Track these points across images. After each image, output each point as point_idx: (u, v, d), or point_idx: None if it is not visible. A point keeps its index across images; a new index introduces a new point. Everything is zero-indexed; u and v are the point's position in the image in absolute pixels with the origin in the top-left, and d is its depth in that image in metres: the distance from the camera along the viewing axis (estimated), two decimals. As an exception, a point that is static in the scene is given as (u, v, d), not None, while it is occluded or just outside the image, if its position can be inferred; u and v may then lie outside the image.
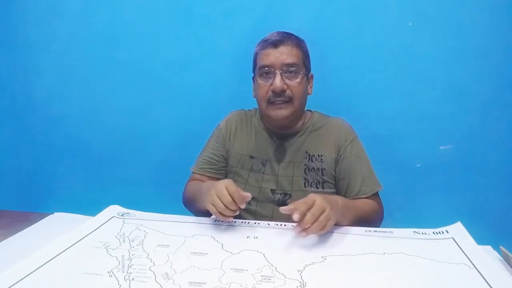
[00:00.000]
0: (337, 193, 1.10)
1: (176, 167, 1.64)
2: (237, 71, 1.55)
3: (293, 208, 0.78)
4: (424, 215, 1.49)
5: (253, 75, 1.12)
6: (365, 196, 1.05)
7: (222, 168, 1.17)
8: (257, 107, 1.15)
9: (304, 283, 0.65)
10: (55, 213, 0.98)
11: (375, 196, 1.07)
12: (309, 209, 0.79)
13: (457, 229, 0.88)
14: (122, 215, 0.95)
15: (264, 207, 1.09)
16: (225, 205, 0.84)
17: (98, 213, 0.95)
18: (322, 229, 0.79)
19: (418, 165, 1.52)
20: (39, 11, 1.62)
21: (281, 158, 1.11)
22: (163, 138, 1.64)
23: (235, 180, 1.10)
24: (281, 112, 1.04)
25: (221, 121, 1.21)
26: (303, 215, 0.78)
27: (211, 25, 1.54)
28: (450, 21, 1.42)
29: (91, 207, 0.97)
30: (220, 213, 0.85)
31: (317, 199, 0.80)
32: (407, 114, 1.50)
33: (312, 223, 0.78)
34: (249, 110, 1.23)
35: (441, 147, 1.50)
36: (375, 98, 1.50)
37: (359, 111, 1.45)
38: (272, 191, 1.10)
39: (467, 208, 1.49)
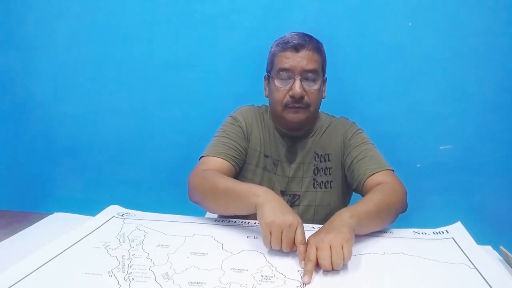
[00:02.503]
0: (348, 186, 1.08)
1: (176, 167, 1.64)
2: (237, 71, 1.55)
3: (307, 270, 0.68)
4: (424, 215, 1.48)
5: (267, 74, 1.09)
6: (373, 173, 0.97)
7: (242, 163, 1.07)
8: (267, 105, 1.14)
9: (304, 283, 0.65)
10: (55, 213, 0.98)
11: (387, 176, 0.97)
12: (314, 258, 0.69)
13: (457, 229, 0.88)
14: (122, 215, 0.95)
15: None
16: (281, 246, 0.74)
17: (98, 213, 0.95)
18: (343, 259, 0.68)
19: (418, 165, 1.52)
20: (39, 11, 1.62)
21: (292, 159, 1.09)
22: (163, 138, 1.64)
23: (250, 179, 1.07)
24: (297, 117, 1.02)
25: (235, 114, 1.13)
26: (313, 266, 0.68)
27: (211, 25, 1.54)
28: (450, 21, 1.42)
29: (91, 207, 0.97)
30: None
31: (319, 243, 0.70)
32: (407, 114, 1.50)
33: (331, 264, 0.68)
34: (259, 106, 1.17)
35: (441, 147, 1.50)
36: (374, 98, 1.50)
37: (359, 111, 1.45)
38: (282, 192, 1.08)
39: (467, 208, 1.49)
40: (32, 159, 1.74)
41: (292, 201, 1.08)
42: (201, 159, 1.03)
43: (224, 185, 0.88)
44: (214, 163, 1.00)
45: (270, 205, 0.77)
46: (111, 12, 1.58)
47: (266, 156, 1.09)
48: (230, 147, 1.04)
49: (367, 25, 1.46)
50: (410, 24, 1.44)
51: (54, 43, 1.63)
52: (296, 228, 0.74)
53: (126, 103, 1.64)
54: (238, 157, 1.04)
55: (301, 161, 1.09)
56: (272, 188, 1.05)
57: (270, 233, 0.74)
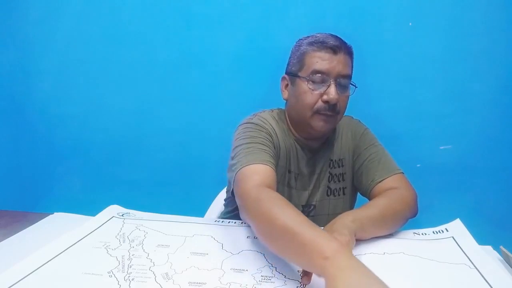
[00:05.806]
0: (358, 191, 1.07)
1: (176, 167, 1.65)
2: (238, 71, 1.55)
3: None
4: (424, 215, 1.48)
5: (288, 75, 1.00)
6: (382, 179, 0.95)
7: None
8: (276, 110, 1.05)
9: (304, 283, 0.65)
10: (55, 213, 0.98)
11: (397, 181, 0.95)
12: None
13: (457, 227, 0.88)
14: (122, 215, 0.95)
15: None
16: None
17: (98, 213, 0.95)
18: None
19: (418, 165, 1.52)
20: (39, 11, 1.62)
21: (312, 171, 1.04)
22: (163, 138, 1.64)
23: None
24: (326, 125, 0.95)
25: (257, 121, 0.97)
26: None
27: (211, 25, 1.54)
28: (450, 21, 1.42)
29: (91, 207, 0.97)
30: None
31: None
32: (407, 114, 1.50)
33: None
34: (271, 110, 1.05)
35: (441, 147, 1.50)
36: (374, 98, 1.50)
37: (359, 111, 1.45)
38: (303, 206, 1.03)
39: (467, 208, 1.49)
40: (32, 159, 1.74)
41: (308, 211, 1.04)
42: (241, 170, 0.83)
43: (283, 223, 0.65)
44: (264, 172, 0.83)
45: (345, 276, 0.53)
46: (112, 12, 1.58)
47: (289, 171, 1.01)
48: (271, 155, 0.89)
49: (367, 25, 1.46)
50: (410, 24, 1.44)
51: (55, 42, 1.64)
52: None
53: (126, 103, 1.64)
54: (276, 165, 0.90)
55: (320, 171, 1.04)
56: (295, 205, 0.97)
57: None
